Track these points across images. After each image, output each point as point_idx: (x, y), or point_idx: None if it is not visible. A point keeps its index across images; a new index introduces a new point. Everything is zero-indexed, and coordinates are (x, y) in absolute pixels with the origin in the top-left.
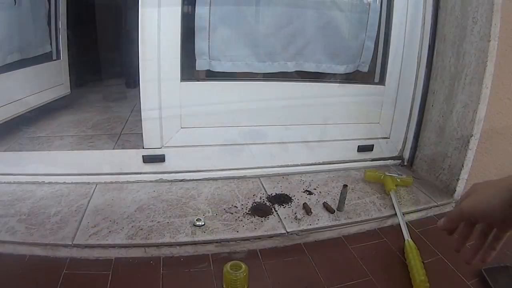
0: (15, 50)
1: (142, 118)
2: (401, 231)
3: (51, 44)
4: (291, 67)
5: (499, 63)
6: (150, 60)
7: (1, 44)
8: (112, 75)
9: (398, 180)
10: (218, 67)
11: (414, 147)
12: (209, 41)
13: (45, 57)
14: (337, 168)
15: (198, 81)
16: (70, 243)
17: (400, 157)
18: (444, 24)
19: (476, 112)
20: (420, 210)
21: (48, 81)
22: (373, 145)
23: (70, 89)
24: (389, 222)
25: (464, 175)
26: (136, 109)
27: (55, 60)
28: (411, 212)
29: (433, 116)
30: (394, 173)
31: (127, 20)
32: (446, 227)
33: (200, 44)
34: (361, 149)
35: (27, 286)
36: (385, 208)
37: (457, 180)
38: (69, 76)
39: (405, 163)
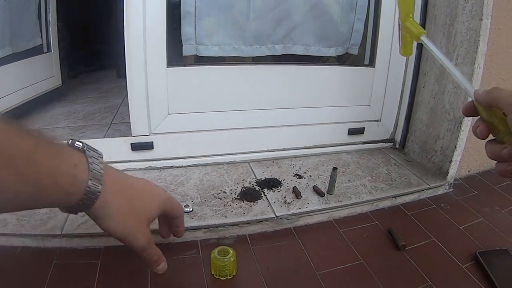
0: (6, 45)
1: (129, 105)
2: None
3: (41, 37)
4: (279, 50)
5: (492, 43)
6: (136, 47)
7: None
8: (104, 66)
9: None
10: (204, 52)
11: (406, 130)
12: (195, 26)
13: (36, 50)
14: (327, 151)
15: (185, 66)
16: (59, 233)
17: (392, 140)
18: (435, 4)
19: None
20: (412, 193)
21: (39, 74)
22: (364, 128)
23: (62, 81)
24: (381, 205)
25: (457, 157)
26: (127, 99)
27: (46, 53)
28: (403, 195)
29: (424, 98)
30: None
31: (117, 11)
32: None
33: (187, 29)
34: (352, 132)
35: (19, 277)
36: (376, 190)
37: (450, 162)
38: (61, 68)
39: (397, 146)
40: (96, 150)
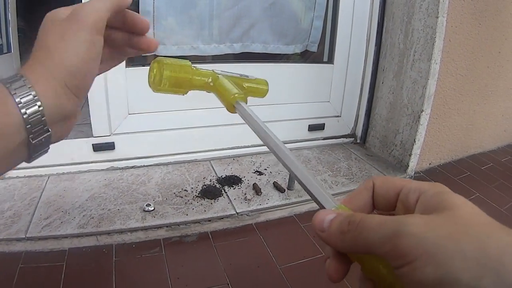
0: None
1: (89, 106)
2: None
3: (1, 36)
4: (237, 48)
5: (449, 40)
6: None
7: None
8: None
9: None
10: (163, 52)
11: (366, 125)
12: (153, 26)
13: None
14: (288, 148)
15: (144, 66)
16: (24, 236)
17: (352, 135)
18: (393, 2)
19: (426, 88)
20: None
21: None
22: (324, 123)
23: None
24: (342, 199)
25: (416, 150)
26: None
27: (6, 53)
28: None
29: (383, 93)
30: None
31: None
32: None
33: None
34: (312, 128)
35: None
36: (337, 185)
37: (410, 155)
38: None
39: (358, 141)
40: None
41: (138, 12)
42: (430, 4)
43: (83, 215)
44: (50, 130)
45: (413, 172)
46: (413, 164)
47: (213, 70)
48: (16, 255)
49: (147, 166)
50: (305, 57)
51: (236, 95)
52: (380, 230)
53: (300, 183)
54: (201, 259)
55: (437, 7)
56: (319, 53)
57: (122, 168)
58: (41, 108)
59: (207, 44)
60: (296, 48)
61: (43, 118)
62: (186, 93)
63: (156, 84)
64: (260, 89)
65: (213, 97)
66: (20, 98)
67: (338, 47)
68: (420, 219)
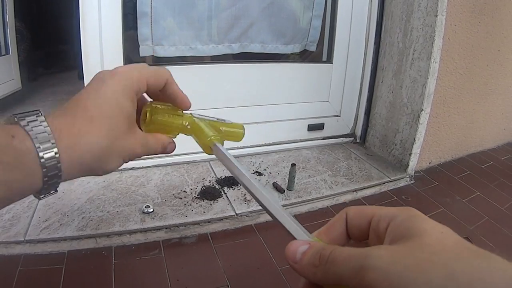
0: None
1: None
2: None
3: None
4: (235, 49)
5: (448, 39)
6: (92, 48)
7: None
8: (65, 68)
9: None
10: (161, 52)
11: (366, 124)
12: (151, 26)
13: None
14: (287, 148)
15: None
16: (23, 239)
17: (352, 135)
18: (392, 1)
19: (425, 87)
20: (373, 186)
21: None
22: (323, 123)
23: (21, 84)
24: (342, 199)
25: (416, 149)
26: None
27: (3, 55)
28: (364, 188)
29: (383, 92)
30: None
31: (77, 10)
32: None
33: (143, 30)
34: (312, 128)
35: None
36: (336, 185)
37: (410, 154)
38: (20, 70)
39: (358, 140)
40: (31, 110)
41: (136, 13)
42: (429, 3)
43: (82, 218)
44: (57, 190)
45: (413, 172)
46: (413, 163)
47: (191, 114)
48: (15, 258)
49: (146, 167)
50: (304, 56)
51: (213, 137)
52: (348, 264)
53: (274, 219)
54: (201, 260)
55: (436, 6)
56: (318, 52)
57: (121, 170)
58: (60, 173)
59: (205, 44)
60: (295, 48)
61: (58, 182)
62: (175, 137)
63: (146, 125)
64: (236, 133)
65: (211, 97)
66: (43, 154)
67: (337, 47)
68: (385, 251)
